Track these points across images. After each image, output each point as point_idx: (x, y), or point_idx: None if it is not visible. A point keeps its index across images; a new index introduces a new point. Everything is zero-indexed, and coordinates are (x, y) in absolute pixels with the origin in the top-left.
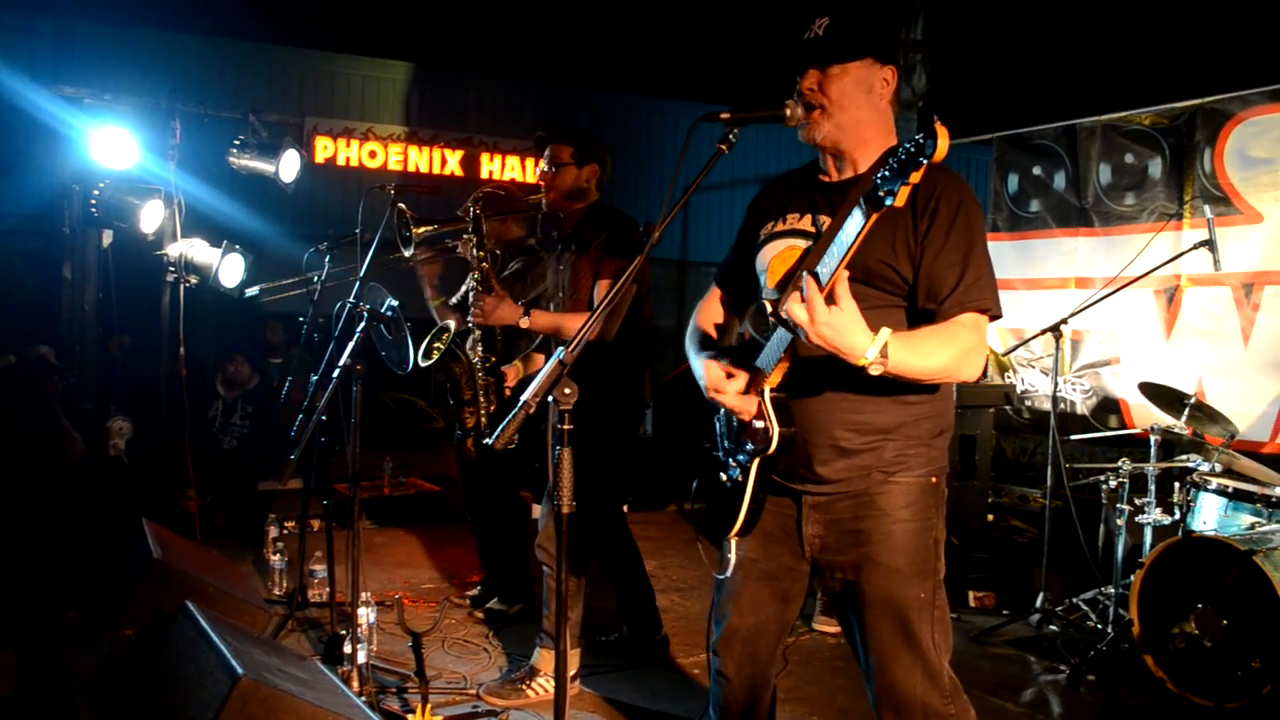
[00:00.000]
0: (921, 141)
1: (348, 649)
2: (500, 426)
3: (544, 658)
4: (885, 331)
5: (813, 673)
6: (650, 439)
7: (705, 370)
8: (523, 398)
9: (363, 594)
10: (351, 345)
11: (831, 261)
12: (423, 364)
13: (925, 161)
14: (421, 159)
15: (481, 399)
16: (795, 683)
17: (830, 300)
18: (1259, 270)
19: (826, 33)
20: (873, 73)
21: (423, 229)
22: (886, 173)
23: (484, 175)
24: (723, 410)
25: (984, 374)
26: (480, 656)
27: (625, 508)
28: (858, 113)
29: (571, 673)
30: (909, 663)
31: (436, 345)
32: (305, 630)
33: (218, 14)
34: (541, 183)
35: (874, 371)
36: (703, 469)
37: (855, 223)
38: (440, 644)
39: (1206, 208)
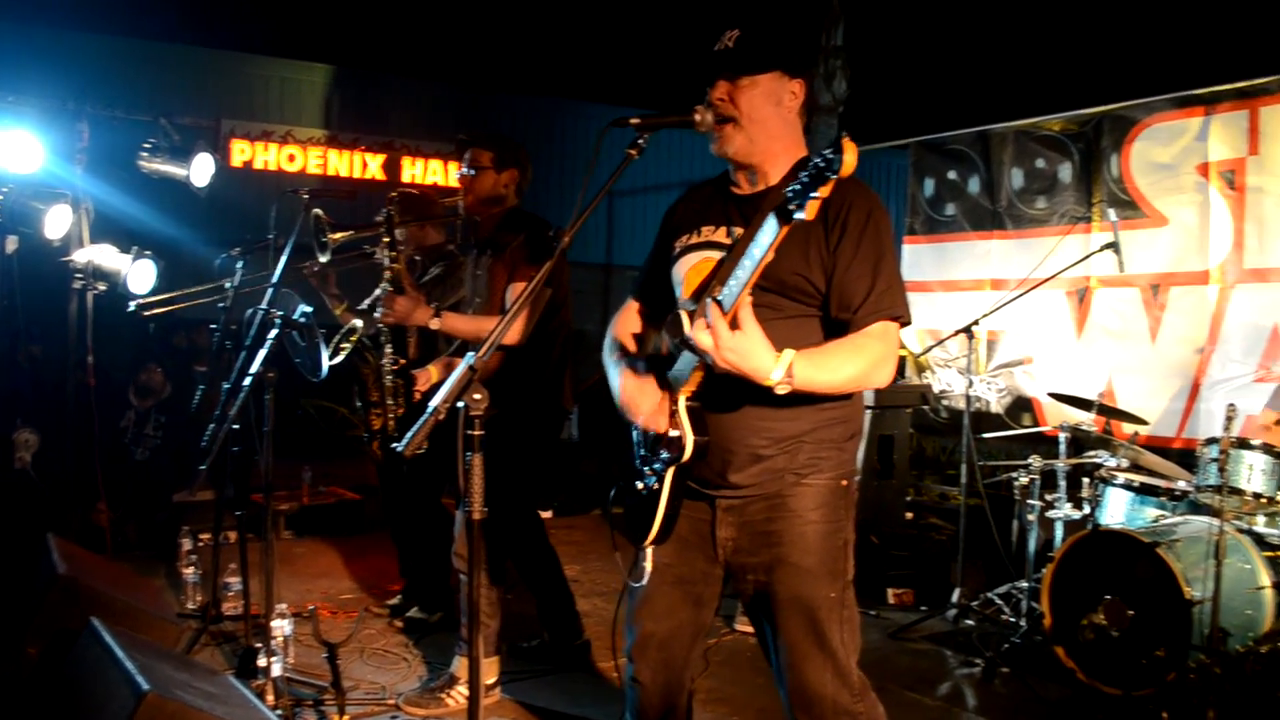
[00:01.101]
0: (830, 157)
1: (262, 662)
2: (410, 433)
3: (463, 666)
4: (789, 353)
5: (734, 673)
6: (576, 444)
7: (620, 387)
8: (431, 404)
9: (279, 606)
10: (263, 353)
11: (739, 282)
12: (328, 363)
13: (833, 176)
14: (342, 163)
15: (389, 401)
16: (717, 683)
17: (735, 325)
18: (1165, 272)
19: (737, 45)
20: (781, 85)
21: (339, 235)
22: (797, 186)
23: (406, 179)
24: None
25: (901, 375)
26: (400, 666)
27: (550, 513)
28: (767, 124)
29: (492, 680)
30: (819, 662)
31: (344, 345)
32: (220, 644)
33: (130, 13)
34: (461, 185)
35: (781, 391)
36: (621, 476)
37: (766, 236)
38: (359, 654)
39: (1111, 211)
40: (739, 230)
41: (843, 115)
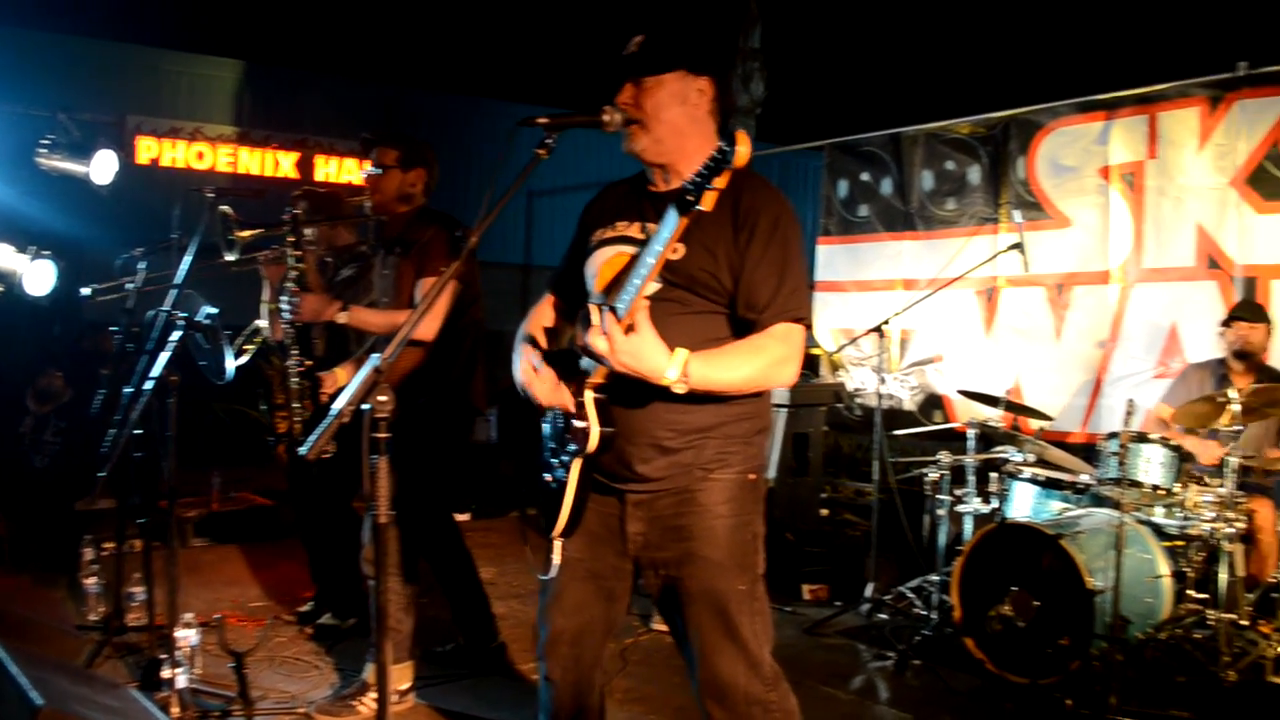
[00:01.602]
0: (726, 149)
1: (167, 673)
2: (313, 436)
3: (376, 672)
4: (682, 352)
5: (651, 672)
6: (494, 445)
7: (520, 365)
8: (335, 406)
9: (185, 615)
10: (166, 355)
11: (635, 285)
12: (233, 364)
13: (728, 167)
14: (253, 161)
15: (295, 404)
16: (633, 682)
17: (631, 328)
18: (1069, 272)
19: (641, 48)
20: (686, 84)
21: (247, 233)
22: (696, 179)
23: (320, 178)
24: (550, 413)
25: (816, 373)
26: (311, 674)
27: (467, 515)
28: (674, 123)
29: (405, 686)
30: (731, 653)
31: (247, 347)
32: (123, 656)
33: (30, 5)
34: (367, 185)
35: (678, 390)
36: (533, 472)
37: (667, 228)
38: (269, 663)
39: (1016, 213)
40: (652, 226)
41: (760, 117)
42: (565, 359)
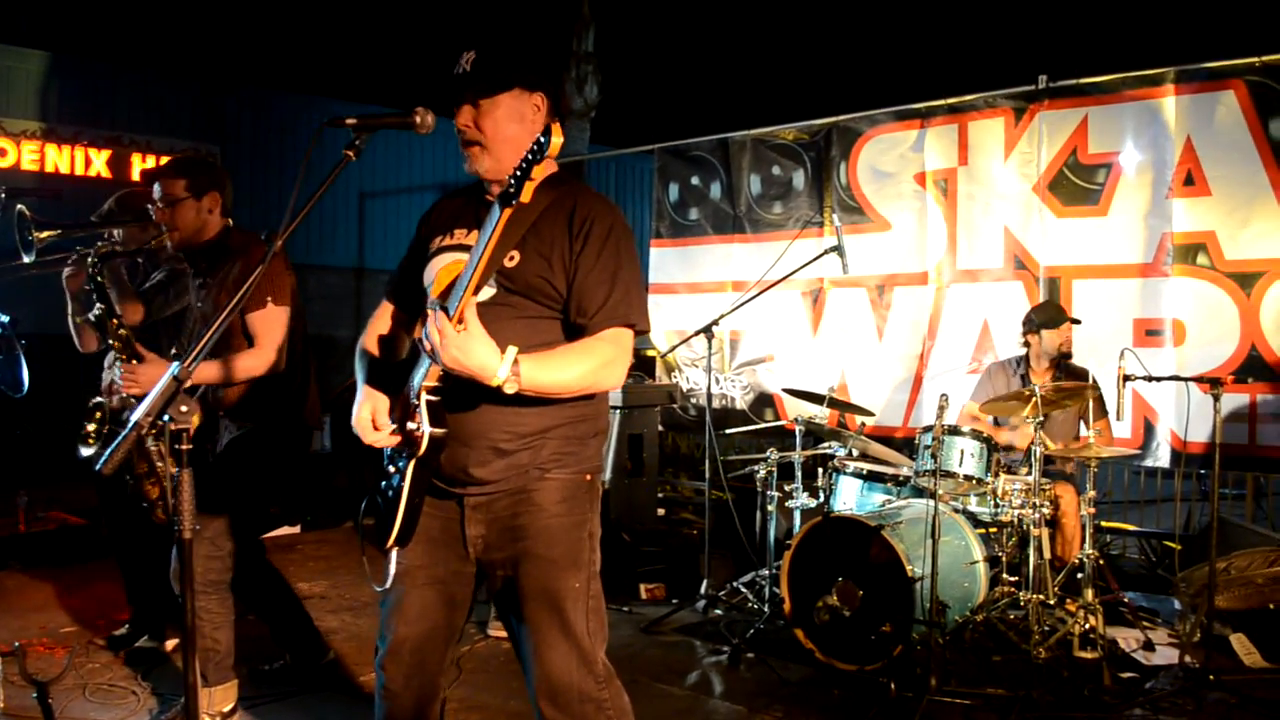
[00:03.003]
0: (542, 141)
1: None
2: (110, 449)
3: (199, 694)
4: (512, 350)
5: (487, 679)
6: (327, 455)
7: (356, 414)
8: (133, 417)
9: None
10: None
11: (463, 280)
12: (85, 453)
13: (544, 157)
14: (62, 159)
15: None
16: (469, 690)
17: (460, 324)
18: (889, 273)
19: (474, 67)
20: (523, 101)
21: (46, 234)
22: (516, 172)
23: (136, 178)
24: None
25: (650, 374)
26: (128, 700)
27: (298, 528)
28: (514, 141)
29: (229, 707)
30: (565, 650)
31: (89, 425)
32: None
33: None
34: (160, 221)
35: (509, 389)
36: (370, 481)
37: (491, 221)
38: (81, 691)
39: (836, 217)
40: None
41: (595, 120)
42: (402, 369)
